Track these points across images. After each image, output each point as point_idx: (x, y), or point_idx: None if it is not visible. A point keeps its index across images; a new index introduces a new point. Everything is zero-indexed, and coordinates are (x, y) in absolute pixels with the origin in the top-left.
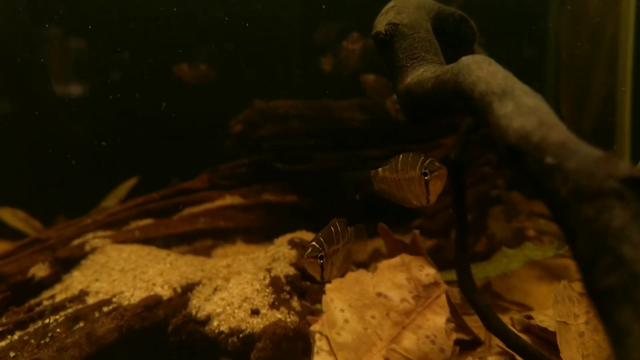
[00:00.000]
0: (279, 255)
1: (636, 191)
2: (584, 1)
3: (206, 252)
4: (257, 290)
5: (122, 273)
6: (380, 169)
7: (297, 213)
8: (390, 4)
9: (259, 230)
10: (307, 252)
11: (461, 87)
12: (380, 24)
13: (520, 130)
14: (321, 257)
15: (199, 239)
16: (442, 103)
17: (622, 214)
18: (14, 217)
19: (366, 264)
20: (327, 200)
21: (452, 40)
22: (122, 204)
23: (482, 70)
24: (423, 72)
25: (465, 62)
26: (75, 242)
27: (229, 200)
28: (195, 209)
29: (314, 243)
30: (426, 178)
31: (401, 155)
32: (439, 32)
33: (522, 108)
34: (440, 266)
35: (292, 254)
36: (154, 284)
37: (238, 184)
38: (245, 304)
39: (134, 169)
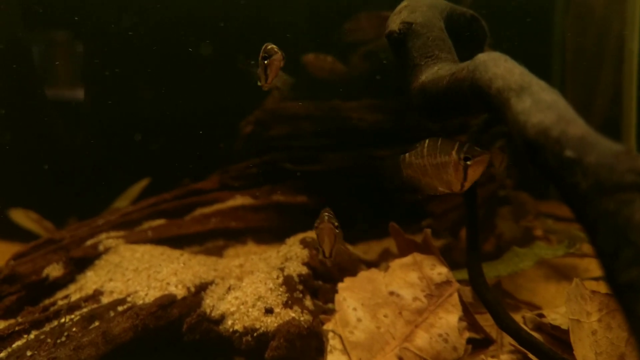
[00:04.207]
0: (291, 254)
1: None
2: (589, 1)
3: (218, 252)
4: (271, 289)
5: (136, 273)
6: (407, 154)
7: (307, 213)
8: (403, 4)
9: (270, 230)
10: (323, 219)
11: (478, 84)
12: (394, 23)
13: (539, 125)
14: (337, 227)
15: (211, 239)
16: (457, 101)
17: None
18: (26, 218)
19: (376, 264)
20: (337, 200)
21: (464, 39)
22: (134, 204)
23: (498, 67)
24: (438, 70)
25: (481, 59)
26: (89, 242)
27: (239, 200)
28: (206, 210)
29: (327, 213)
30: (468, 163)
31: (427, 140)
32: (451, 31)
33: (540, 103)
34: (450, 265)
35: (305, 253)
36: (168, 283)
37: (249, 185)
38: (259, 303)
39: (145, 169)
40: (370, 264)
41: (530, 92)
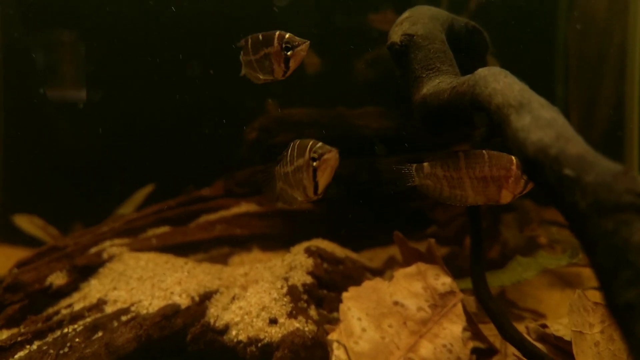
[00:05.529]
0: (296, 263)
1: None
2: (591, 9)
3: (223, 260)
4: (275, 299)
5: (140, 281)
6: (426, 164)
7: (312, 220)
8: (404, 15)
9: (275, 237)
10: (324, 147)
11: (478, 99)
12: (396, 34)
13: (538, 143)
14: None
15: (216, 247)
16: (458, 114)
17: None
18: (30, 224)
19: (381, 272)
20: (341, 206)
21: (465, 50)
22: (139, 211)
23: (498, 82)
24: (439, 83)
25: (481, 74)
26: (93, 250)
27: (244, 207)
28: (211, 217)
29: (312, 141)
30: (524, 179)
31: (461, 152)
32: (452, 42)
33: (539, 121)
34: (454, 274)
35: (309, 262)
36: (172, 293)
37: (253, 191)
38: (263, 313)
39: (150, 175)
40: (375, 272)
41: (529, 109)
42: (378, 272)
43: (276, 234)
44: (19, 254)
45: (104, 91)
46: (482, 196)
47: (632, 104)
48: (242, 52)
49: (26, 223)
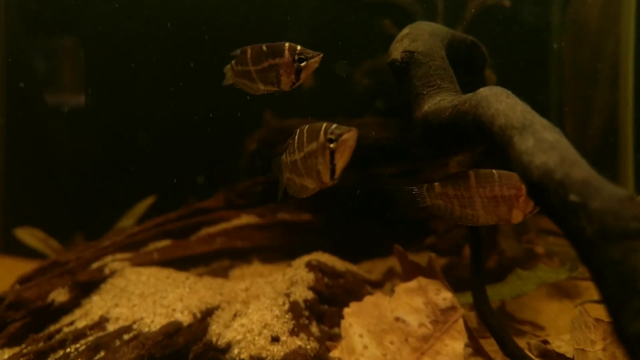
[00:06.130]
0: (297, 278)
1: None
2: (584, 19)
3: (223, 273)
4: (277, 316)
5: (142, 298)
6: (436, 184)
7: (312, 231)
8: (404, 31)
9: (276, 249)
10: (341, 127)
11: (480, 119)
12: (396, 51)
13: (542, 166)
14: None
15: (216, 260)
16: (460, 133)
17: None
18: (32, 237)
19: (381, 284)
20: (341, 218)
21: (464, 64)
22: (140, 224)
23: (500, 103)
24: (440, 101)
25: (483, 95)
26: (95, 265)
27: (245, 219)
28: (212, 229)
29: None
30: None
31: (472, 171)
32: (451, 57)
33: (543, 143)
34: (453, 285)
35: (310, 277)
36: (173, 310)
37: (254, 203)
38: (265, 331)
39: (151, 186)
40: (375, 284)
41: (532, 130)
42: (378, 285)
43: (277, 246)
44: (20, 266)
45: (105, 102)
46: (493, 216)
47: (625, 111)
48: (233, 62)
49: (27, 236)
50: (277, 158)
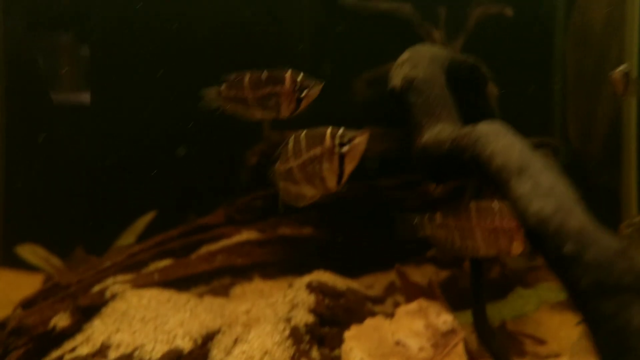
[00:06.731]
0: (298, 301)
1: None
2: (588, 25)
3: (224, 291)
4: (277, 342)
5: (143, 323)
6: (438, 214)
7: (313, 245)
8: (404, 56)
9: (276, 264)
10: (351, 134)
11: (478, 158)
12: (396, 77)
13: (539, 213)
14: None
15: (217, 278)
16: (458, 166)
17: None
18: (34, 255)
19: (382, 299)
20: (343, 231)
21: (465, 85)
22: (140, 243)
23: (498, 141)
24: (439, 132)
25: (482, 132)
26: (96, 288)
27: (245, 235)
28: (212, 247)
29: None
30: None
31: (473, 203)
32: (452, 79)
33: (539, 189)
34: (455, 299)
35: (311, 299)
36: (175, 336)
37: (255, 218)
38: (266, 358)
39: (151, 201)
40: (377, 300)
41: (529, 174)
42: (379, 300)
43: (277, 261)
44: (21, 279)
45: (106, 117)
46: (494, 247)
47: (629, 117)
48: (224, 86)
49: (29, 254)
50: (273, 169)
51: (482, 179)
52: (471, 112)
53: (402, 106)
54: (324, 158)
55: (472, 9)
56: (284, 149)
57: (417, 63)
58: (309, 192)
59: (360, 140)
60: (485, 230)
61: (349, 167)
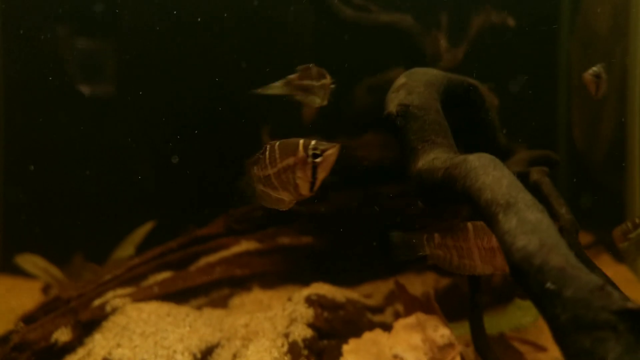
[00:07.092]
0: (297, 315)
1: (628, 323)
2: (593, 28)
3: (223, 303)
4: (276, 358)
5: (143, 338)
6: (436, 234)
7: (313, 254)
8: (401, 80)
9: (276, 274)
10: (324, 145)
11: (468, 191)
12: (392, 103)
13: (523, 250)
14: None
15: (216, 289)
16: (451, 194)
17: (616, 347)
18: (33, 266)
19: (382, 309)
20: (342, 239)
21: (462, 106)
22: (140, 255)
23: (487, 175)
24: (434, 160)
25: (472, 165)
26: (96, 302)
27: (244, 245)
28: (211, 258)
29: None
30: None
31: (469, 224)
32: (449, 100)
33: (524, 225)
34: (454, 308)
35: (310, 313)
36: (174, 351)
37: (253, 228)
38: None
39: (150, 210)
40: (376, 310)
41: (516, 209)
42: (379, 310)
43: (277, 271)
44: (20, 285)
45: (106, 126)
46: (490, 266)
47: (633, 122)
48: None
49: (29, 265)
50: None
51: (473, 210)
52: (471, 126)
53: (397, 131)
54: (297, 167)
55: (474, 18)
56: (261, 157)
57: (413, 89)
58: (287, 197)
59: (332, 151)
60: (482, 249)
61: (321, 176)
